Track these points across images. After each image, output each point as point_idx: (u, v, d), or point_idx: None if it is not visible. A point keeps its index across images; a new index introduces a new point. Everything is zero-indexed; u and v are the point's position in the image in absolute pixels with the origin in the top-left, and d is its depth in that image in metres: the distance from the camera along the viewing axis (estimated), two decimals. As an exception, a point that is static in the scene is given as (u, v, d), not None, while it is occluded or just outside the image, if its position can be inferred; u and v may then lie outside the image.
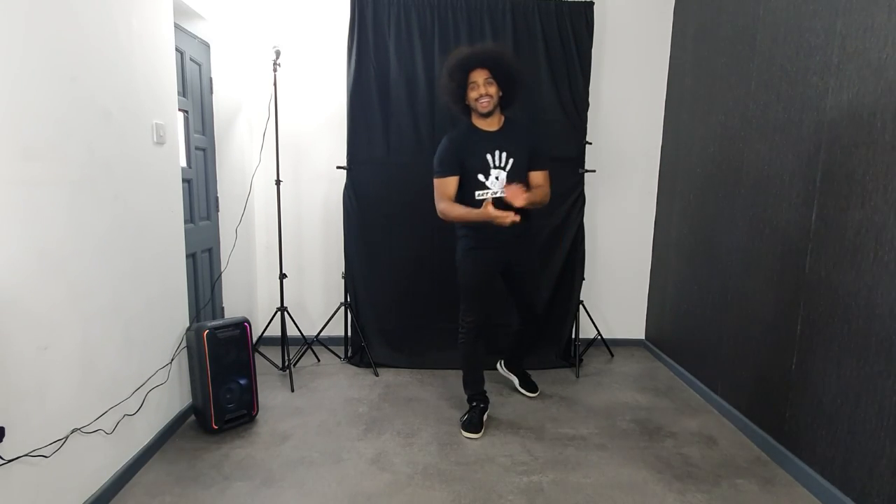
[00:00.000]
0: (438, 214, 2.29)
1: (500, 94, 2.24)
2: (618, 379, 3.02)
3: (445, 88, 2.29)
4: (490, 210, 2.08)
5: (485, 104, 2.20)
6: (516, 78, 2.25)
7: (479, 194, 2.26)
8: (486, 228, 2.23)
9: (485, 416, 2.41)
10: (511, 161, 2.25)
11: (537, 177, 2.31)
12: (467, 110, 2.30)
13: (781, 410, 2.12)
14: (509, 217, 2.06)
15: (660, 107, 3.34)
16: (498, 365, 2.87)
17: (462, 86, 2.23)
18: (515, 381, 2.78)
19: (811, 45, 1.99)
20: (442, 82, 2.31)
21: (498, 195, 2.22)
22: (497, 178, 2.25)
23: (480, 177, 2.25)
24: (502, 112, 2.31)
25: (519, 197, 2.09)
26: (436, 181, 2.28)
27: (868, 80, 1.71)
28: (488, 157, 2.25)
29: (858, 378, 1.73)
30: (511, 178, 2.24)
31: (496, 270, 2.38)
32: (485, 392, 2.47)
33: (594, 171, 3.21)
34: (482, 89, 2.19)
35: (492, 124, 2.28)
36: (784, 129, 2.14)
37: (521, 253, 2.37)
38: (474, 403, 2.42)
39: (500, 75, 2.21)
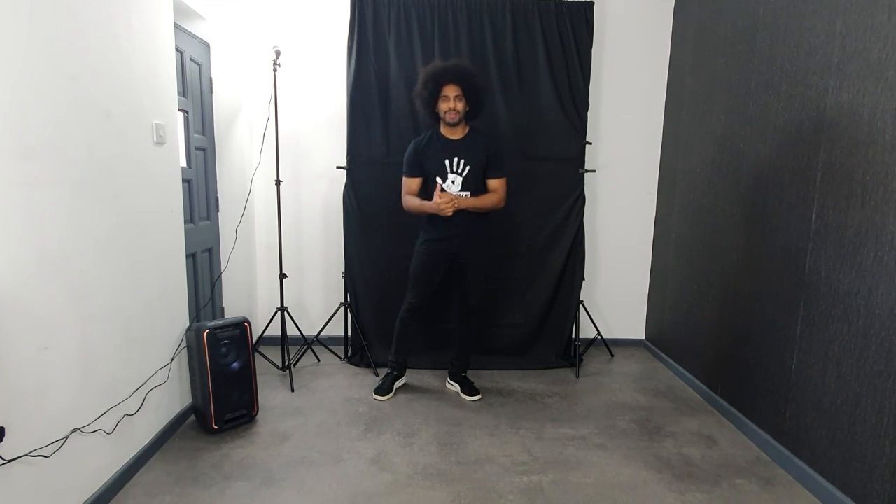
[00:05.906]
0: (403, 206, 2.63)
1: (467, 108, 2.51)
2: (618, 379, 3.02)
3: (418, 95, 2.52)
4: (434, 201, 2.42)
5: (452, 116, 2.47)
6: (482, 96, 2.55)
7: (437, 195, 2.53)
8: (440, 223, 2.51)
9: (396, 384, 2.75)
10: (468, 168, 2.51)
11: (493, 183, 2.57)
12: (436, 116, 2.55)
13: (781, 410, 2.12)
14: (451, 208, 2.40)
15: (660, 107, 3.34)
16: (446, 384, 2.86)
17: (434, 96, 2.47)
18: (457, 388, 2.77)
19: (811, 45, 1.99)
20: (416, 90, 2.54)
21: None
22: (453, 182, 2.52)
23: (438, 179, 2.53)
24: (467, 122, 2.57)
25: (450, 207, 2.40)
26: (403, 179, 2.60)
27: (868, 80, 1.71)
28: (447, 162, 2.51)
29: (858, 378, 1.73)
30: (466, 183, 2.51)
31: (444, 261, 2.61)
32: (404, 363, 2.78)
33: (594, 171, 3.21)
34: (452, 103, 2.45)
35: (456, 133, 2.54)
36: (784, 129, 2.14)
37: (468, 246, 2.58)
38: (388, 371, 2.76)
39: (470, 93, 2.49)
